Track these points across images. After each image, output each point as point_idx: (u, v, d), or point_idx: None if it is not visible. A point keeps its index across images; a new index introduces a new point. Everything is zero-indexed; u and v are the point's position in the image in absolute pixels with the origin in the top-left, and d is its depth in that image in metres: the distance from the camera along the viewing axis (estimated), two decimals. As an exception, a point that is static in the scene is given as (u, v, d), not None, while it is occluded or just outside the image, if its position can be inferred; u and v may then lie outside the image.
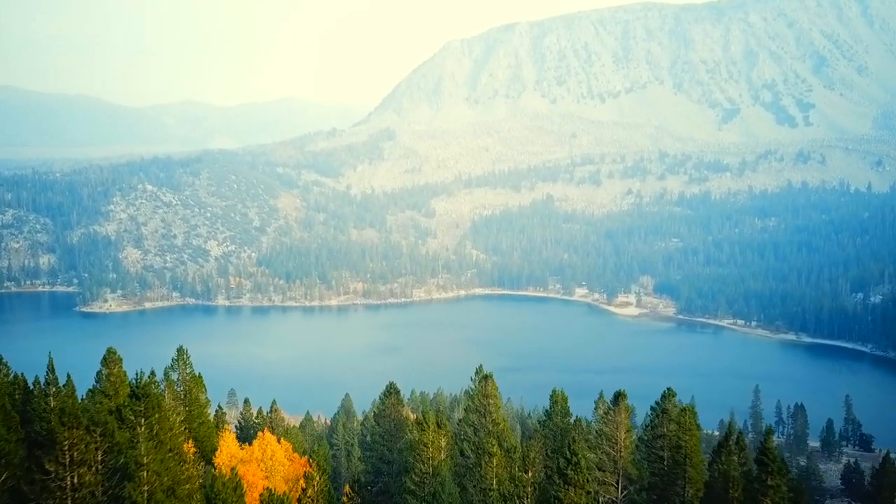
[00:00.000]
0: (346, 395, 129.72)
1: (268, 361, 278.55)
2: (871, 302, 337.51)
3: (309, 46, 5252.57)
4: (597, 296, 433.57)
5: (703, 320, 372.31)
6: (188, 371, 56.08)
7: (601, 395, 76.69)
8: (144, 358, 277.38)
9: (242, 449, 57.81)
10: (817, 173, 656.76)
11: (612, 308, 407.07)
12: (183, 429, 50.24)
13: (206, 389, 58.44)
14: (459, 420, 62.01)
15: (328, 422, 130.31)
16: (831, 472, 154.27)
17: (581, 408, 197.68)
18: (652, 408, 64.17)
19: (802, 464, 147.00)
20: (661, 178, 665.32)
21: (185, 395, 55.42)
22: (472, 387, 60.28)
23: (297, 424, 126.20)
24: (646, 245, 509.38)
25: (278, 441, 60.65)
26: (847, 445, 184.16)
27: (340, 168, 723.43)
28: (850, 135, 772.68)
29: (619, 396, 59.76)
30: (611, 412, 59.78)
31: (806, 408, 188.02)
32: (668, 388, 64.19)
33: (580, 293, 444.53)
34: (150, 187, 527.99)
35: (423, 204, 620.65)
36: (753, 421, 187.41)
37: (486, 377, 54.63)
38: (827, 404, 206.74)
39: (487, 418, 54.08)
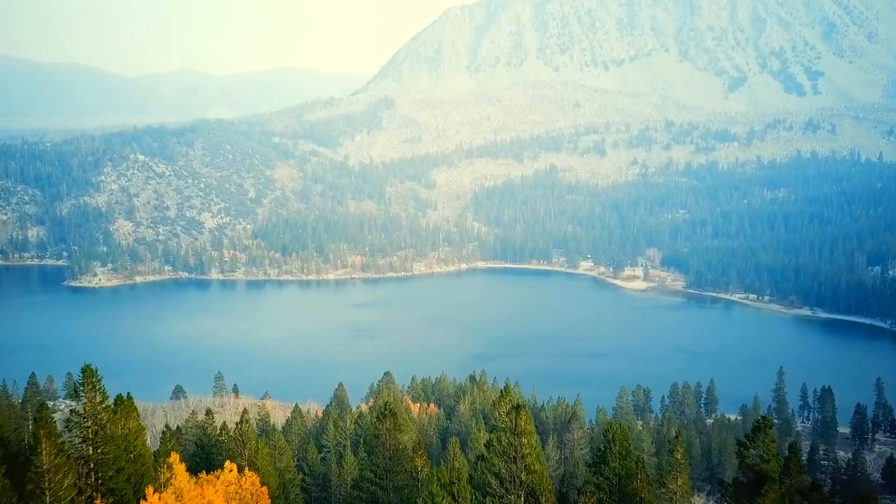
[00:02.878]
0: (340, 384, 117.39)
1: (260, 340, 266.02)
2: (890, 276, 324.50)
3: (307, 14, 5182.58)
4: (602, 269, 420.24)
5: (714, 294, 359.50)
6: (99, 399, 42.09)
7: (677, 437, 59.06)
8: (134, 338, 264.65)
9: (197, 480, 44.85)
10: (827, 143, 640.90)
11: (618, 282, 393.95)
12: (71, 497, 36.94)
13: (137, 414, 44.97)
14: (478, 458, 48.74)
15: (319, 413, 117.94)
16: (866, 464, 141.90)
17: (589, 397, 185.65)
18: (744, 444, 48.23)
19: (843, 455, 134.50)
20: (666, 147, 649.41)
21: (95, 435, 41.54)
22: (496, 415, 46.60)
23: (287, 418, 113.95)
24: (652, 217, 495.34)
25: (241, 471, 47.70)
26: (878, 432, 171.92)
27: (338, 138, 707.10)
28: (860, 103, 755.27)
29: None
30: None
31: (833, 391, 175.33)
32: (763, 418, 49.26)
33: (585, 266, 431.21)
34: (142, 157, 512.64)
35: (423, 175, 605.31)
36: (778, 405, 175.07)
37: (517, 409, 40.98)
38: (852, 386, 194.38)
39: (519, 464, 40.61)
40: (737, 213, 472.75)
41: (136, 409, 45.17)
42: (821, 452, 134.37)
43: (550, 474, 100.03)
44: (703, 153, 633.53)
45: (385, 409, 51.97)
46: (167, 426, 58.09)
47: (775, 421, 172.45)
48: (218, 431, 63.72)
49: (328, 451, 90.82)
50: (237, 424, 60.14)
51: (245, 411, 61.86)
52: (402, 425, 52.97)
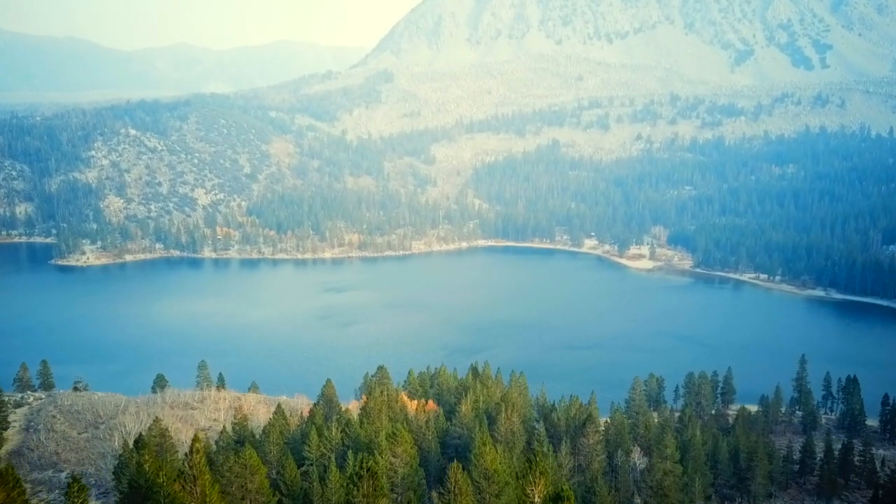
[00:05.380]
0: (328, 381, 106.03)
1: (251, 323, 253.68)
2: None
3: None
4: (607, 247, 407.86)
5: (722, 274, 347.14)
6: None
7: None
8: (120, 320, 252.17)
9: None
10: (836, 117, 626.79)
11: (623, 261, 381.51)
12: None
13: (14, 480, 32.80)
14: None
15: (305, 414, 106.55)
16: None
17: (596, 386, 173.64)
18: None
19: (877, 453, 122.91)
20: (672, 122, 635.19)
21: None
22: (523, 496, 33.95)
23: (269, 418, 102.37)
24: (657, 193, 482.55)
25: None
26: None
27: (336, 112, 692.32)
28: (870, 77, 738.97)
29: None
30: None
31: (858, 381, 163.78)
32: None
33: (589, 245, 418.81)
34: (133, 132, 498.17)
35: (423, 150, 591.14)
36: (800, 396, 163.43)
37: (557, 501, 28.51)
38: (877, 374, 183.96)
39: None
40: (745, 189, 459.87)
41: (12, 475, 32.96)
42: (856, 452, 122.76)
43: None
44: (709, 128, 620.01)
45: (361, 467, 40.29)
46: (72, 478, 45.82)
47: (798, 413, 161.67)
48: (156, 470, 51.24)
49: (311, 464, 79.50)
50: (186, 455, 48.49)
51: (196, 438, 50.03)
52: (384, 488, 41.29)
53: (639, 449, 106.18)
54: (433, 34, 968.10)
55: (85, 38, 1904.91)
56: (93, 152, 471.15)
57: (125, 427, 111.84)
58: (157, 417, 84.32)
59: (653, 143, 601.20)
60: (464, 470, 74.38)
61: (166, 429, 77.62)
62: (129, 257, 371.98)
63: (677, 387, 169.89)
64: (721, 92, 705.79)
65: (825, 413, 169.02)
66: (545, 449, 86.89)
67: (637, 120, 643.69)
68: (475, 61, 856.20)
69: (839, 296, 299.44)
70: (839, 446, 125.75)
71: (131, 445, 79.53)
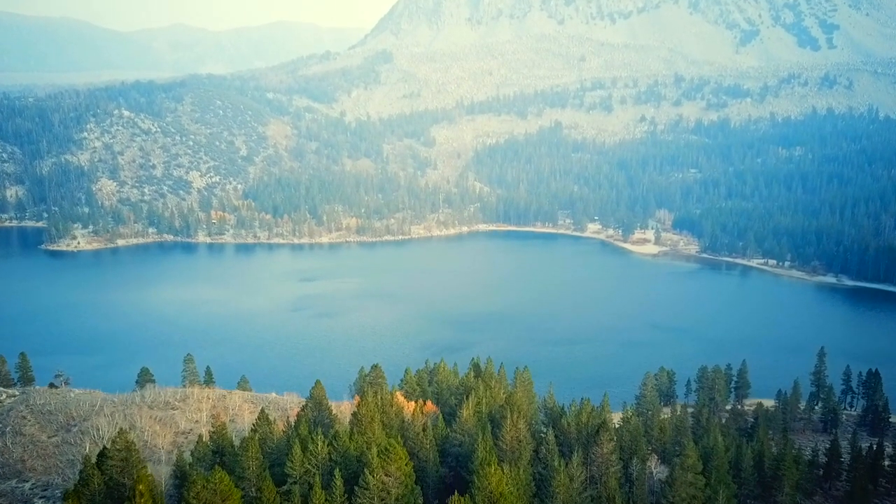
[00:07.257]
0: (317, 382, 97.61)
1: (243, 312, 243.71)
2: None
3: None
4: (611, 232, 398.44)
5: (730, 259, 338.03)
6: None
7: None
8: (108, 308, 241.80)
9: None
10: (843, 99, 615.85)
11: (628, 245, 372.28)
12: None
13: None
14: None
15: (292, 419, 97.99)
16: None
17: (603, 382, 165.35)
18: None
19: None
20: (676, 103, 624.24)
21: None
22: None
23: (254, 422, 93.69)
24: (662, 176, 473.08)
25: None
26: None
27: (334, 93, 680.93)
28: (878, 58, 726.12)
29: None
30: None
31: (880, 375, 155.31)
32: None
33: (593, 229, 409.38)
34: (127, 113, 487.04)
35: (423, 132, 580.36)
36: (818, 390, 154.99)
37: None
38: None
39: None
40: (751, 172, 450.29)
41: None
42: (886, 455, 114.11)
43: (575, 499, 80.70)
44: (714, 110, 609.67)
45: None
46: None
47: (818, 409, 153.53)
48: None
49: (294, 482, 70.95)
50: (128, 500, 39.72)
51: (140, 478, 41.08)
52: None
53: (656, 457, 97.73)
54: (433, 14, 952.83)
55: (81, 19, 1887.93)
56: (85, 134, 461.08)
57: (98, 430, 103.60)
58: (121, 429, 75.49)
59: (657, 124, 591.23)
60: (465, 493, 65.89)
61: (132, 441, 69.05)
62: (121, 242, 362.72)
63: (689, 381, 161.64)
64: (726, 73, 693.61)
65: (844, 409, 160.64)
66: (555, 462, 78.24)
67: (641, 101, 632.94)
68: (476, 41, 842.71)
69: (851, 282, 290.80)
70: (866, 446, 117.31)
71: (94, 460, 70.98)
